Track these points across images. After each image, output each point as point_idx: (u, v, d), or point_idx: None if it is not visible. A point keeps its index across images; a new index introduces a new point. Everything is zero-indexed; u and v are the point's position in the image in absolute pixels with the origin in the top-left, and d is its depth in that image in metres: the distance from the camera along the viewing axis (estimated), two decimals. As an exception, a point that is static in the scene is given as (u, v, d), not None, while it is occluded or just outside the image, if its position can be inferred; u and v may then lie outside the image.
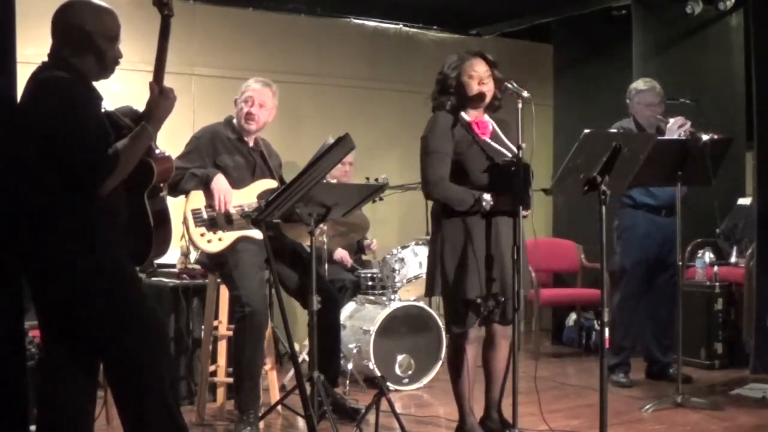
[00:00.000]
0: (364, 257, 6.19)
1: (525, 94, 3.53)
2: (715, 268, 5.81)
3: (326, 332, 4.08)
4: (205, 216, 4.15)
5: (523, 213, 3.61)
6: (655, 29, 6.44)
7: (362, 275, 5.66)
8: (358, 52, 7.03)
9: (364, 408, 4.01)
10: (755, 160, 5.57)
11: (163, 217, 3.01)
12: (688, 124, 4.79)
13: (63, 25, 2.80)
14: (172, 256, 4.82)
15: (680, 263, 4.69)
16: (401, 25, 7.24)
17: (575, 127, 3.96)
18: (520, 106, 3.52)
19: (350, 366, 5.05)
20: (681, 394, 4.58)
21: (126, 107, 2.99)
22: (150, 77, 2.85)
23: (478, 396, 3.93)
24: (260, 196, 4.20)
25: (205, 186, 4.14)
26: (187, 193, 4.16)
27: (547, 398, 4.59)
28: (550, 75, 7.54)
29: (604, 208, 3.51)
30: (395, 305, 5.18)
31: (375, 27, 7.15)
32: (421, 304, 5.27)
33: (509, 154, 3.70)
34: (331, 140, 3.54)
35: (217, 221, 4.15)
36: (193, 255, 4.77)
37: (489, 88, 3.75)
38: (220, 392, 4.56)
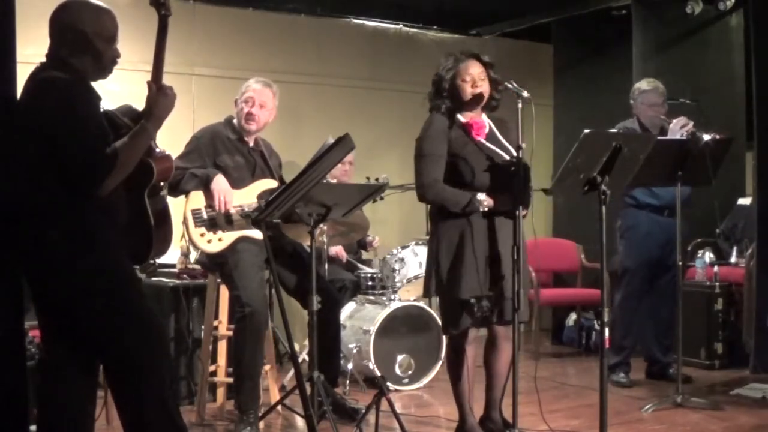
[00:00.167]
0: (365, 254, 6.19)
1: (525, 94, 3.53)
2: (715, 268, 5.81)
3: (326, 332, 4.08)
4: (205, 216, 4.15)
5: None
6: (655, 29, 6.44)
7: (362, 275, 5.66)
8: (358, 52, 7.03)
9: (364, 408, 4.01)
10: (755, 160, 5.58)
11: (163, 216, 3.01)
12: (691, 124, 4.79)
13: (60, 25, 2.80)
14: (172, 256, 4.82)
15: (680, 263, 4.69)
16: (401, 25, 7.25)
17: (575, 127, 3.96)
18: (520, 106, 3.52)
19: (350, 366, 5.05)
20: (681, 394, 4.58)
21: (125, 106, 2.98)
22: (149, 77, 2.85)
23: (478, 396, 3.93)
24: (260, 196, 4.20)
25: (205, 186, 4.14)
26: (187, 193, 4.16)
27: (547, 398, 4.59)
28: (550, 75, 7.54)
29: (604, 208, 3.51)
30: (395, 305, 5.18)
31: (375, 27, 7.15)
32: (421, 304, 5.27)
33: (505, 155, 3.71)
34: (331, 140, 3.54)
35: (217, 221, 4.15)
36: (193, 255, 4.77)
37: (484, 90, 3.74)
38: (220, 392, 4.55)
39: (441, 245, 3.74)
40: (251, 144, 4.36)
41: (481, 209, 3.65)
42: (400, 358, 5.16)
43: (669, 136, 4.78)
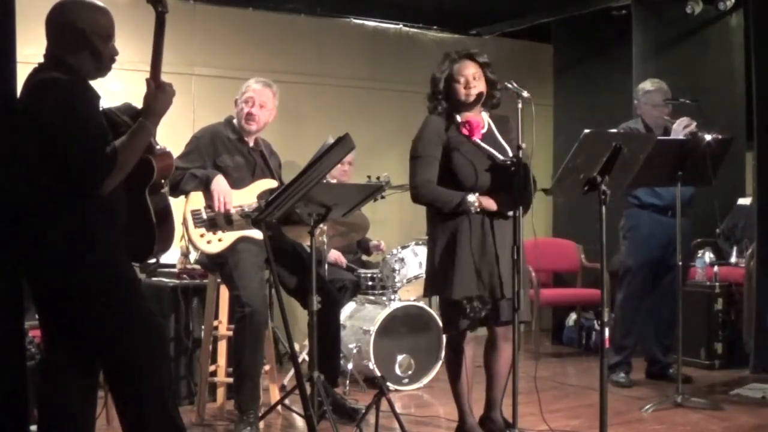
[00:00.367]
0: (365, 258, 6.18)
1: (525, 94, 3.53)
2: (715, 268, 5.81)
3: (326, 332, 4.08)
4: (204, 217, 4.15)
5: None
6: (655, 29, 6.44)
7: (362, 275, 5.66)
8: (358, 52, 7.03)
9: (364, 408, 4.00)
10: (755, 160, 5.58)
11: (165, 214, 3.01)
12: (693, 124, 4.79)
13: (57, 25, 2.80)
14: (172, 256, 4.82)
15: (680, 263, 4.69)
16: (401, 25, 7.24)
17: (575, 127, 3.96)
18: (520, 106, 3.52)
19: (350, 366, 5.05)
20: (681, 394, 4.58)
21: (124, 104, 2.98)
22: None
23: (478, 396, 3.93)
24: (260, 196, 4.20)
25: (205, 187, 4.14)
26: (187, 193, 4.16)
27: (547, 398, 4.59)
28: (550, 75, 7.54)
29: (604, 208, 3.51)
30: (395, 305, 5.18)
31: (375, 27, 7.15)
32: (421, 304, 5.27)
33: (500, 156, 3.70)
34: (331, 140, 3.54)
35: (216, 222, 4.15)
36: (193, 255, 4.76)
37: (479, 90, 3.74)
38: (220, 392, 4.55)
39: (436, 246, 3.76)
40: (251, 144, 4.36)
41: (473, 209, 3.65)
42: (400, 358, 5.16)
43: (672, 137, 4.79)
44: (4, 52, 2.92)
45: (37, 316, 2.90)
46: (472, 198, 3.64)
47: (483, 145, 3.74)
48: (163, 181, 3.03)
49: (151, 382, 2.77)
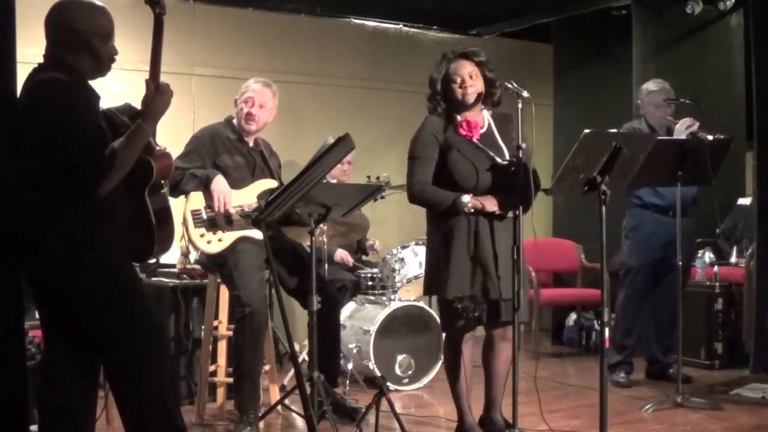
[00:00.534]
0: (365, 258, 6.19)
1: (525, 94, 3.52)
2: (715, 268, 5.81)
3: (326, 332, 4.08)
4: (204, 217, 4.15)
5: (498, 210, 3.63)
6: (655, 29, 6.43)
7: (362, 275, 5.66)
8: (358, 52, 7.03)
9: (364, 408, 4.00)
10: (755, 160, 5.58)
11: (165, 214, 3.01)
12: (696, 125, 4.79)
13: (56, 25, 2.79)
14: (172, 256, 4.82)
15: (680, 263, 4.69)
16: (401, 25, 7.24)
17: (575, 127, 3.95)
18: (520, 106, 3.51)
19: (350, 366, 5.05)
20: (681, 394, 4.57)
21: (124, 105, 2.98)
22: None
23: (478, 396, 3.93)
24: (260, 196, 4.20)
25: (205, 187, 4.14)
26: (186, 193, 4.16)
27: (547, 398, 4.59)
28: (550, 75, 7.54)
29: (604, 208, 3.51)
30: (395, 305, 5.18)
31: (375, 27, 7.15)
32: (421, 304, 5.27)
33: (496, 157, 3.69)
34: (331, 140, 3.54)
35: (216, 222, 4.15)
36: (193, 255, 4.76)
37: (476, 89, 3.73)
38: (220, 392, 4.55)
39: (433, 245, 3.79)
40: (251, 144, 4.36)
41: (466, 210, 3.65)
42: (400, 358, 5.16)
43: (675, 137, 4.79)
44: (4, 52, 2.93)
45: (37, 316, 2.90)
46: (465, 199, 3.64)
47: (480, 146, 3.72)
48: (162, 181, 3.03)
49: (151, 382, 2.77)
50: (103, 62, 2.84)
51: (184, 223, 4.13)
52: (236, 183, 4.21)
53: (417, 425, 4.33)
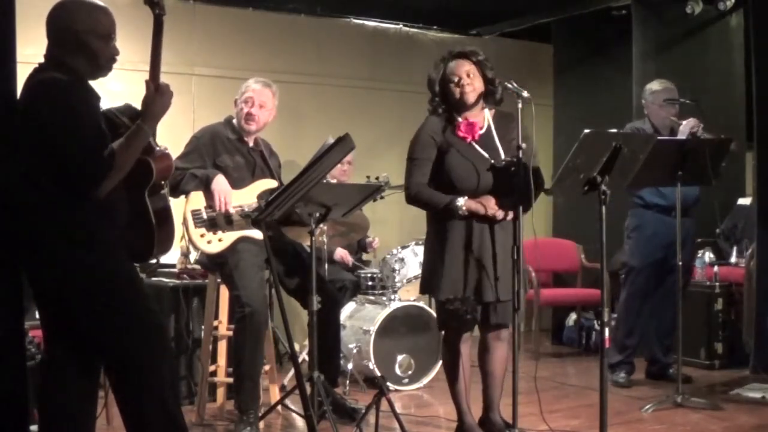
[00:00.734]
0: (365, 256, 6.19)
1: (525, 94, 3.52)
2: (715, 268, 5.81)
3: (326, 332, 4.08)
4: (204, 217, 4.15)
5: (498, 213, 3.62)
6: (655, 29, 6.43)
7: (362, 275, 5.66)
8: (358, 52, 7.03)
9: (364, 408, 4.00)
10: (755, 160, 5.58)
11: (165, 215, 3.00)
12: (701, 126, 4.78)
13: (55, 25, 2.79)
14: (172, 256, 4.82)
15: (680, 263, 4.69)
16: (401, 25, 7.24)
17: (575, 127, 3.95)
18: (520, 106, 3.51)
19: (350, 366, 5.05)
20: (681, 394, 4.57)
21: (125, 105, 2.98)
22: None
23: (477, 396, 3.93)
24: (260, 196, 4.20)
25: (206, 187, 4.14)
26: (187, 193, 4.16)
27: (547, 398, 4.59)
28: (550, 75, 7.54)
29: (604, 208, 3.51)
30: (395, 305, 5.18)
31: (375, 27, 7.15)
32: (421, 304, 5.27)
33: (491, 160, 3.68)
34: (331, 140, 3.54)
35: (216, 222, 4.15)
36: (193, 255, 4.77)
37: (474, 88, 3.72)
38: (220, 392, 4.55)
39: (430, 245, 3.82)
40: (251, 144, 4.36)
41: (460, 213, 3.64)
42: (400, 358, 5.16)
43: (674, 137, 4.79)
44: (4, 52, 2.93)
45: (37, 316, 2.90)
46: (459, 202, 3.64)
47: (477, 147, 3.71)
48: (162, 182, 3.03)
49: (151, 382, 2.77)
50: (102, 63, 2.84)
51: (185, 223, 4.13)
52: (236, 183, 4.20)
53: (417, 425, 4.33)
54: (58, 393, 2.83)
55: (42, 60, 2.81)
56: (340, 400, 4.28)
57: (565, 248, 6.95)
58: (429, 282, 3.79)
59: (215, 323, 4.43)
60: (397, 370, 5.14)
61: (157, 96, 2.81)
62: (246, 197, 4.21)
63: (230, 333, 4.31)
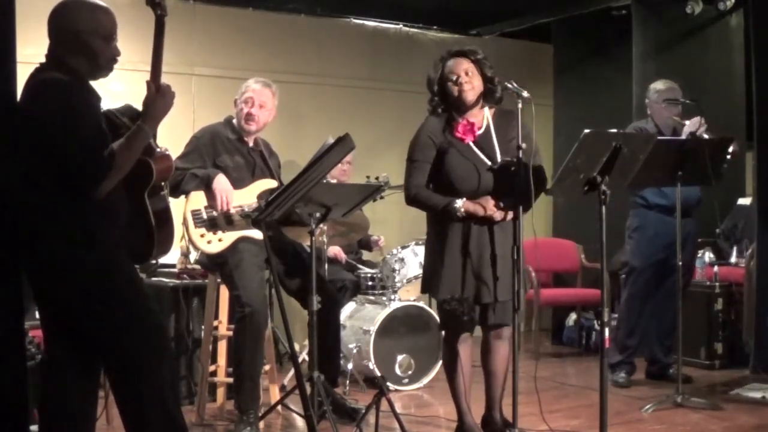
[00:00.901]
0: (370, 255, 6.19)
1: (525, 94, 3.51)
2: (715, 268, 5.81)
3: (326, 332, 4.08)
4: (204, 217, 4.15)
5: (496, 215, 3.62)
6: (655, 29, 6.44)
7: (362, 275, 5.66)
8: (358, 52, 7.03)
9: (364, 408, 4.00)
10: (755, 160, 5.58)
11: (165, 216, 3.00)
12: (704, 127, 4.78)
13: (57, 25, 2.79)
14: (172, 256, 4.81)
15: (680, 263, 4.69)
16: (401, 25, 7.24)
17: (575, 127, 3.95)
18: (520, 106, 3.51)
19: (350, 366, 5.05)
20: (681, 394, 4.57)
21: (125, 106, 2.98)
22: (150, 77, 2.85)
23: (478, 396, 3.93)
24: (260, 196, 4.20)
25: (207, 186, 4.14)
26: (187, 193, 4.16)
27: (547, 398, 4.59)
28: (550, 75, 7.54)
29: (604, 208, 3.51)
30: (395, 305, 5.18)
31: (375, 27, 7.15)
32: (421, 304, 5.27)
33: (487, 162, 3.68)
34: (331, 140, 3.54)
35: (216, 222, 4.15)
36: (193, 255, 4.77)
37: (472, 86, 3.70)
38: (220, 392, 4.55)
39: (429, 245, 3.83)
40: (251, 144, 4.36)
41: (458, 215, 3.64)
42: (400, 358, 5.16)
43: (673, 137, 4.78)
44: (4, 52, 2.93)
45: (37, 316, 2.90)
46: (458, 204, 3.64)
47: (474, 148, 3.70)
48: (162, 183, 3.03)
49: (151, 382, 2.77)
50: (103, 63, 2.84)
51: (185, 223, 4.13)
52: (236, 183, 4.20)
53: (417, 425, 4.33)
54: (58, 393, 2.83)
55: (42, 60, 2.81)
56: (340, 400, 4.28)
57: (565, 248, 6.95)
58: (429, 282, 3.81)
59: (215, 323, 4.43)
60: (397, 370, 5.14)
61: (158, 97, 2.81)
62: (246, 197, 4.21)
63: (230, 333, 4.31)
